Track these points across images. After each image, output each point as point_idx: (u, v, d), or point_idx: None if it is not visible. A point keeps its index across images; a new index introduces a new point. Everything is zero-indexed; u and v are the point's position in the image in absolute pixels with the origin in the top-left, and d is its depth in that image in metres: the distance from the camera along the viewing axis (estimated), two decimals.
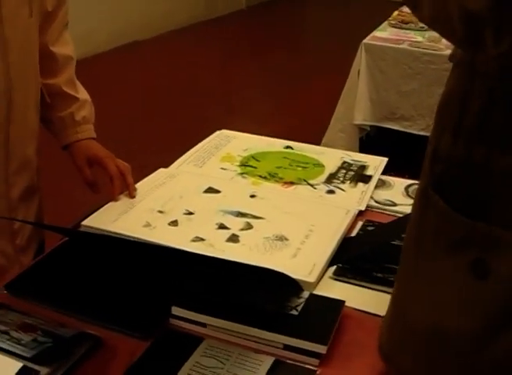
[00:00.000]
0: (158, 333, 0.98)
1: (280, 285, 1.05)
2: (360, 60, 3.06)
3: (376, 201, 1.44)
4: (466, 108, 0.67)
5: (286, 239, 1.23)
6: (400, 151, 2.56)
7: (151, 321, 1.00)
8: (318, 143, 3.22)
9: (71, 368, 0.91)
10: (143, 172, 1.48)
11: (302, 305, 1.02)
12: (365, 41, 3.13)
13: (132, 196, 1.35)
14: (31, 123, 1.28)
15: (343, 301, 1.05)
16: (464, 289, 0.68)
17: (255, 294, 1.03)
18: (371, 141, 3.27)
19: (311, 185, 1.48)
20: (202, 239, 1.22)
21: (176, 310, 1.00)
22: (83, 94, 1.41)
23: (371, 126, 3.21)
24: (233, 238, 1.23)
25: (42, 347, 0.90)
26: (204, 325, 1.00)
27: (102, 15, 5.45)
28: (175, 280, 1.04)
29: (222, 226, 1.27)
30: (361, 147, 3.13)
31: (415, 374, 0.75)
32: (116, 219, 1.27)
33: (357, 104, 3.05)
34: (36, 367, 0.86)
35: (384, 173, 1.59)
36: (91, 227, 1.25)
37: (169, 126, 4.04)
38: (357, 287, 1.14)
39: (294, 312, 0.99)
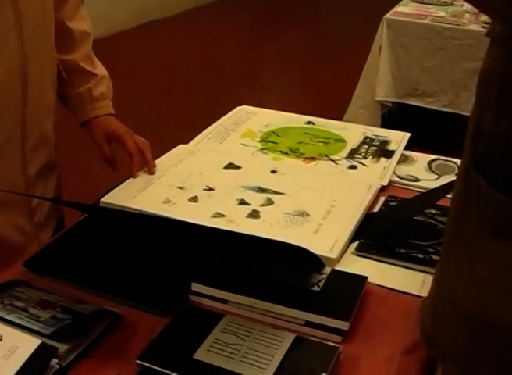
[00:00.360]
0: (178, 309, 0.97)
1: (302, 260, 1.03)
2: (382, 36, 3.01)
3: (399, 177, 1.42)
4: (507, 86, 0.64)
5: (308, 215, 1.21)
6: (422, 128, 2.52)
7: (171, 298, 0.99)
8: (340, 120, 3.19)
9: (91, 345, 0.90)
10: (163, 148, 1.47)
11: (324, 280, 1.00)
12: (387, 16, 3.08)
13: (151, 172, 1.34)
14: (48, 100, 1.26)
15: (366, 277, 1.03)
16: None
17: (277, 269, 1.02)
18: (393, 117, 3.23)
19: (333, 160, 1.46)
20: (223, 215, 1.20)
21: (196, 286, 0.99)
22: (100, 69, 1.40)
23: (393, 103, 3.16)
24: (254, 214, 1.21)
25: (61, 324, 0.89)
26: (224, 301, 0.98)
27: None
28: (195, 255, 1.03)
29: (242, 202, 1.25)
30: (383, 123, 3.09)
31: (463, 360, 0.72)
32: (136, 195, 1.26)
33: (378, 80, 3.00)
34: (55, 344, 0.85)
35: (407, 148, 1.57)
36: (110, 204, 1.24)
37: (190, 103, 4.02)
38: (379, 263, 1.12)
39: (316, 288, 0.98)
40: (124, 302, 0.99)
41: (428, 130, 2.90)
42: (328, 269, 1.03)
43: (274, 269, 1.02)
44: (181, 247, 1.03)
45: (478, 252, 0.68)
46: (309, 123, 1.66)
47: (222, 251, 1.03)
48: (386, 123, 3.08)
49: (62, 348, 0.86)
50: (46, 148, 1.29)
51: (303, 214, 1.21)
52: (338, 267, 1.08)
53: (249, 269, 1.01)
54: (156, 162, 1.39)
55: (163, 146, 1.47)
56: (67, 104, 1.39)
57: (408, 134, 1.61)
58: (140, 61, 4.75)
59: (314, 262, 1.03)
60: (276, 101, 4.24)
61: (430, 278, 1.05)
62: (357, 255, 1.13)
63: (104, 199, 1.25)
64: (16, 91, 1.16)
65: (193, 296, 1.00)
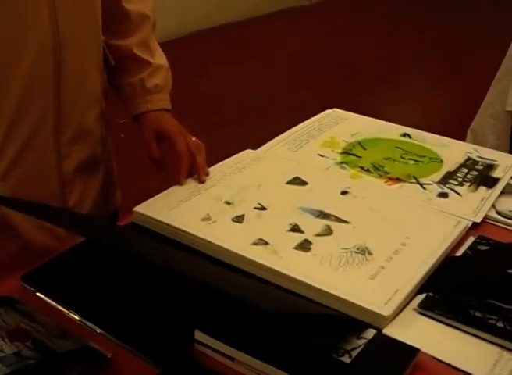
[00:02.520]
0: (175, 359, 0.79)
1: (336, 318, 0.82)
2: None
3: (498, 213, 1.16)
4: None
5: (370, 253, 0.99)
6: None
7: (169, 345, 0.81)
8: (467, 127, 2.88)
9: None
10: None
11: (360, 349, 0.78)
12: None
13: (201, 180, 1.16)
14: (90, 87, 1.11)
15: (417, 350, 0.80)
16: None
17: (301, 328, 0.81)
18: None
19: (421, 184, 1.22)
20: (266, 242, 1.01)
21: (199, 335, 0.80)
22: (159, 58, 1.23)
23: None
24: (304, 245, 1.01)
25: (21, 364, 0.74)
26: (231, 358, 0.79)
27: None
28: (203, 298, 0.84)
29: (295, 228, 1.05)
30: None
31: None
32: (174, 207, 1.09)
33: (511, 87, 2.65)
34: None
35: None
36: (143, 215, 1.08)
37: (305, 100, 3.81)
38: (446, 327, 0.88)
39: (346, 359, 0.76)
40: (115, 341, 0.82)
41: None
42: (370, 334, 0.81)
43: (297, 327, 0.81)
44: (190, 288, 0.85)
45: None
46: (405, 135, 1.42)
47: (253, 293, 0.83)
48: None
49: None
50: (88, 142, 1.15)
51: (364, 251, 1.00)
52: (391, 326, 0.86)
53: (265, 324, 0.81)
54: (211, 168, 1.21)
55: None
56: (120, 94, 1.24)
57: None
58: (268, 48, 4.60)
59: (352, 322, 0.82)
60: (408, 99, 3.97)
61: (507, 357, 0.81)
62: (420, 313, 0.90)
63: (137, 209, 1.09)
64: (48, 73, 1.02)
65: (198, 345, 0.81)
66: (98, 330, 0.84)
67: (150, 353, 0.80)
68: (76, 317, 0.86)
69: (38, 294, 0.91)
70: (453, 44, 5.06)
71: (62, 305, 0.88)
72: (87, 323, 0.85)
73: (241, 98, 3.77)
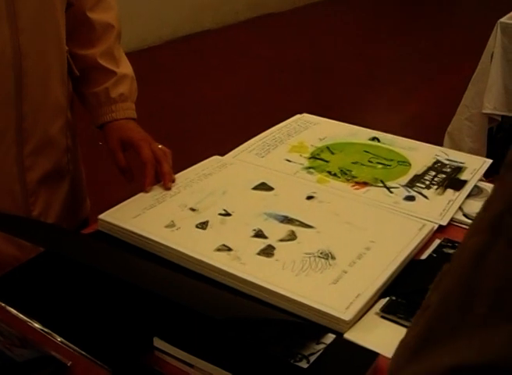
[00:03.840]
0: (133, 367, 0.79)
1: (294, 324, 0.82)
2: (495, 41, 2.68)
3: (465, 215, 1.17)
4: None
5: (333, 258, 0.99)
6: None
7: (127, 354, 0.81)
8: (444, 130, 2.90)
9: None
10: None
11: (318, 354, 0.78)
12: (502, 19, 2.73)
13: (166, 187, 1.16)
14: (54, 98, 1.11)
15: (377, 354, 0.80)
16: None
17: (259, 333, 0.81)
18: (503, 133, 2.89)
19: (388, 188, 1.23)
20: (229, 249, 1.00)
21: (157, 342, 0.80)
22: (124, 68, 1.23)
23: (503, 117, 2.82)
24: (267, 251, 1.01)
25: None
26: (190, 365, 0.79)
27: None
28: (162, 305, 0.83)
29: (258, 234, 1.05)
30: (490, 140, 2.77)
31: None
32: (138, 214, 1.09)
33: (487, 90, 2.67)
34: None
35: (488, 176, 1.31)
36: (108, 223, 1.07)
37: (284, 104, 3.82)
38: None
39: (303, 365, 0.76)
40: (75, 350, 0.82)
41: None
42: (329, 339, 0.81)
43: (255, 333, 0.81)
44: (147, 294, 0.84)
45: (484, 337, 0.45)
46: (374, 138, 1.43)
47: (202, 301, 0.83)
48: (493, 139, 2.76)
49: None
50: (52, 153, 1.14)
51: (327, 256, 1.00)
52: (352, 331, 0.86)
53: (223, 330, 0.81)
54: (178, 175, 1.21)
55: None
56: (84, 104, 1.24)
57: (489, 161, 1.34)
58: (246, 54, 4.60)
59: (310, 327, 0.82)
60: (387, 102, 3.99)
61: None
62: (382, 317, 0.91)
63: (101, 216, 1.08)
64: (8, 86, 1.02)
65: (158, 352, 0.81)
66: (58, 339, 0.83)
67: (108, 361, 0.79)
68: (37, 326, 0.86)
69: (1, 303, 0.90)
70: (429, 49, 5.09)
71: (23, 314, 0.88)
72: (48, 331, 0.84)
73: (217, 104, 3.77)
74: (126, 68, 1.24)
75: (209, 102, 3.76)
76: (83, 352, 0.80)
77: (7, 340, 0.80)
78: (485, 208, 0.47)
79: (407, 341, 0.50)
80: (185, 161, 1.30)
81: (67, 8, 1.14)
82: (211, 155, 1.32)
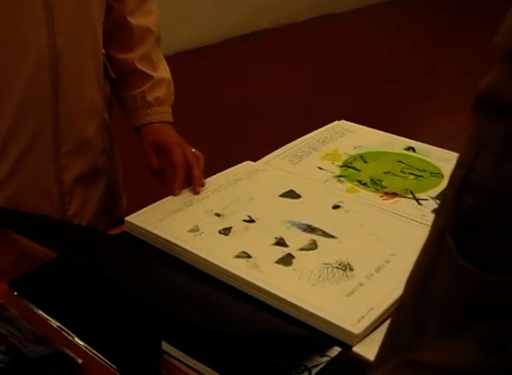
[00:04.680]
0: (142, 370, 0.81)
1: (303, 337, 0.83)
2: None
3: None
4: None
5: (351, 269, 1.00)
6: None
7: (136, 356, 0.83)
8: None
9: None
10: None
11: (321, 366, 0.79)
12: None
13: (195, 192, 1.19)
14: (90, 100, 1.14)
15: None
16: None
17: (266, 344, 0.82)
18: None
19: (417, 200, 1.22)
20: (249, 256, 1.02)
21: (166, 346, 0.82)
22: (161, 72, 1.26)
23: None
24: (286, 259, 1.02)
25: None
26: (197, 371, 0.81)
27: None
28: (173, 311, 0.86)
29: (279, 242, 1.06)
30: None
31: None
32: (164, 217, 1.12)
33: None
34: None
35: None
36: (134, 225, 1.10)
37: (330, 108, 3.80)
38: None
39: None
40: (88, 349, 0.85)
41: None
42: (334, 351, 0.82)
43: (261, 344, 0.82)
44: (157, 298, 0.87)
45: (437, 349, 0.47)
46: (409, 148, 1.42)
47: (202, 312, 0.85)
48: None
49: None
50: (88, 154, 1.18)
51: (345, 267, 1.00)
52: (361, 345, 0.87)
53: (229, 339, 0.83)
54: (208, 179, 1.23)
55: None
56: (122, 107, 1.27)
57: None
58: (303, 55, 4.60)
59: (315, 340, 0.83)
60: (439, 109, 3.93)
61: None
62: None
63: (128, 218, 1.12)
64: (45, 88, 1.05)
65: (167, 356, 0.84)
66: (73, 337, 0.87)
67: (118, 362, 0.82)
68: (54, 324, 0.89)
69: (23, 300, 0.94)
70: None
71: (42, 311, 0.91)
72: (64, 329, 0.88)
73: (264, 106, 3.76)
74: (163, 72, 1.26)
75: (254, 105, 3.77)
76: (95, 352, 0.83)
77: (24, 336, 0.84)
78: (434, 218, 0.49)
79: (378, 351, 0.52)
80: (219, 165, 1.32)
81: (108, 12, 1.18)
82: (247, 160, 1.33)
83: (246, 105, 3.73)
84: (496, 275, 0.43)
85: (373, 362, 0.52)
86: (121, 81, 1.24)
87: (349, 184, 1.27)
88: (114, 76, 1.21)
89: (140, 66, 1.23)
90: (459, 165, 0.48)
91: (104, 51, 1.18)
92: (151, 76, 1.24)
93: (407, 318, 0.50)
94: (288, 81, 4.11)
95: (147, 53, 1.24)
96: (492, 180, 0.44)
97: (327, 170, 1.32)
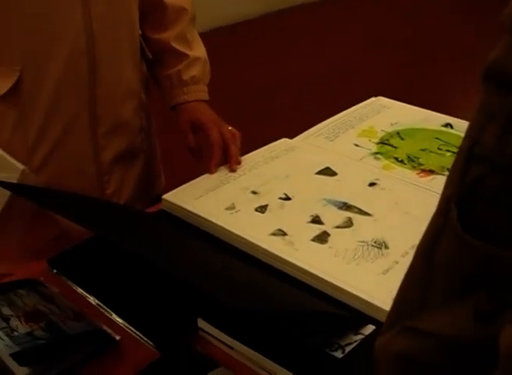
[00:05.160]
0: (178, 345, 0.83)
1: (337, 315, 0.84)
2: None
3: None
4: None
5: (387, 247, 1.00)
6: None
7: (172, 331, 0.85)
8: None
9: (67, 370, 0.79)
10: None
11: (355, 344, 0.80)
12: None
13: (231, 169, 1.19)
14: (126, 81, 1.15)
15: None
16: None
17: (300, 323, 0.83)
18: None
19: None
20: (284, 233, 1.03)
21: (202, 323, 0.84)
22: (196, 51, 1.26)
23: None
24: (322, 237, 1.02)
25: (33, 343, 0.80)
26: (230, 347, 0.82)
27: None
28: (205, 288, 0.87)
29: (315, 220, 1.06)
30: None
31: None
32: (201, 195, 1.13)
33: None
34: (13, 366, 0.76)
35: None
36: (171, 203, 1.12)
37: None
38: None
39: (338, 355, 0.78)
40: (125, 326, 0.87)
41: None
42: (368, 329, 0.83)
43: (296, 323, 0.83)
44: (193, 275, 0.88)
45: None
46: (447, 125, 1.40)
47: (235, 290, 0.86)
48: None
49: (21, 372, 0.76)
50: (126, 133, 1.19)
51: (381, 245, 1.00)
52: None
53: (264, 317, 0.83)
54: (244, 157, 1.24)
55: None
56: (158, 86, 1.28)
57: None
58: (337, 31, 4.54)
59: (349, 319, 0.83)
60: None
61: None
62: None
63: (165, 197, 1.13)
64: (82, 71, 1.07)
65: (203, 333, 0.85)
66: (111, 314, 0.89)
67: (154, 338, 0.84)
68: (92, 301, 0.91)
69: (62, 277, 0.97)
70: None
71: (81, 289, 0.94)
72: (102, 306, 0.90)
73: (299, 84, 3.72)
74: (198, 51, 1.27)
75: (292, 81, 3.73)
76: (132, 328, 0.85)
77: (63, 313, 0.86)
78: (444, 188, 0.49)
79: (387, 318, 0.53)
80: (256, 143, 1.32)
81: None
82: (282, 138, 1.33)
83: (282, 83, 3.70)
84: (493, 247, 0.44)
85: (382, 328, 0.53)
86: (157, 61, 1.25)
87: (385, 161, 1.26)
88: (150, 56, 1.22)
89: (175, 45, 1.23)
90: (467, 136, 0.48)
91: (140, 32, 1.18)
92: (186, 55, 1.24)
93: (413, 285, 0.51)
94: (324, 56, 4.06)
95: (182, 32, 1.24)
96: (496, 153, 0.44)
97: (363, 147, 1.31)
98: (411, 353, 0.49)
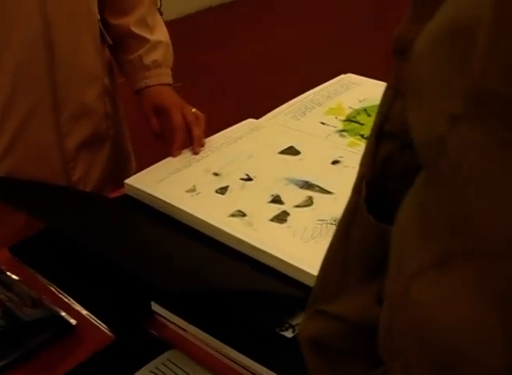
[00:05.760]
0: (131, 329, 0.84)
1: (289, 295, 0.85)
2: None
3: None
4: None
5: None
6: None
7: (127, 317, 0.86)
8: None
9: (22, 356, 0.81)
10: None
11: None
12: None
13: (194, 152, 1.19)
14: (87, 66, 1.15)
15: None
16: None
17: (252, 303, 0.84)
18: None
19: None
20: (243, 214, 1.03)
21: (155, 306, 0.85)
22: (158, 35, 1.25)
23: None
24: (281, 217, 1.03)
25: None
26: (184, 330, 0.83)
27: None
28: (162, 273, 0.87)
29: (275, 200, 1.07)
30: None
31: None
32: (163, 179, 1.13)
33: None
34: None
35: None
36: (133, 187, 1.12)
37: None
38: None
39: (288, 334, 0.79)
40: (83, 310, 0.88)
41: None
42: None
43: (248, 303, 0.84)
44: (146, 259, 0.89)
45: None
46: None
47: (194, 273, 0.86)
48: None
49: None
50: (90, 119, 1.19)
51: None
52: None
53: (216, 298, 0.84)
54: (208, 139, 1.24)
55: None
56: (121, 71, 1.28)
57: None
58: (313, 9, 4.51)
59: (302, 298, 0.84)
60: None
61: None
62: None
63: (128, 181, 1.13)
64: (40, 57, 1.07)
65: (158, 316, 0.86)
66: (69, 300, 0.89)
67: (110, 323, 0.85)
68: (52, 287, 0.92)
69: (23, 265, 0.97)
70: None
71: (41, 276, 0.94)
72: (60, 291, 0.91)
73: (268, 64, 3.70)
74: (160, 35, 1.26)
75: (270, 60, 3.72)
76: (89, 313, 0.86)
77: (21, 300, 0.87)
78: (359, 165, 0.49)
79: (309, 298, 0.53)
80: (222, 124, 1.32)
81: None
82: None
83: (260, 63, 3.68)
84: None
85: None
86: (118, 46, 1.25)
87: (351, 139, 1.26)
88: (110, 41, 1.21)
89: (135, 30, 1.23)
90: (378, 112, 0.48)
91: (99, 17, 1.18)
92: (147, 40, 1.24)
93: (331, 265, 0.51)
94: (302, 36, 4.04)
95: (143, 17, 1.23)
96: (401, 129, 0.44)
97: (329, 125, 1.31)
98: (321, 337, 0.49)
